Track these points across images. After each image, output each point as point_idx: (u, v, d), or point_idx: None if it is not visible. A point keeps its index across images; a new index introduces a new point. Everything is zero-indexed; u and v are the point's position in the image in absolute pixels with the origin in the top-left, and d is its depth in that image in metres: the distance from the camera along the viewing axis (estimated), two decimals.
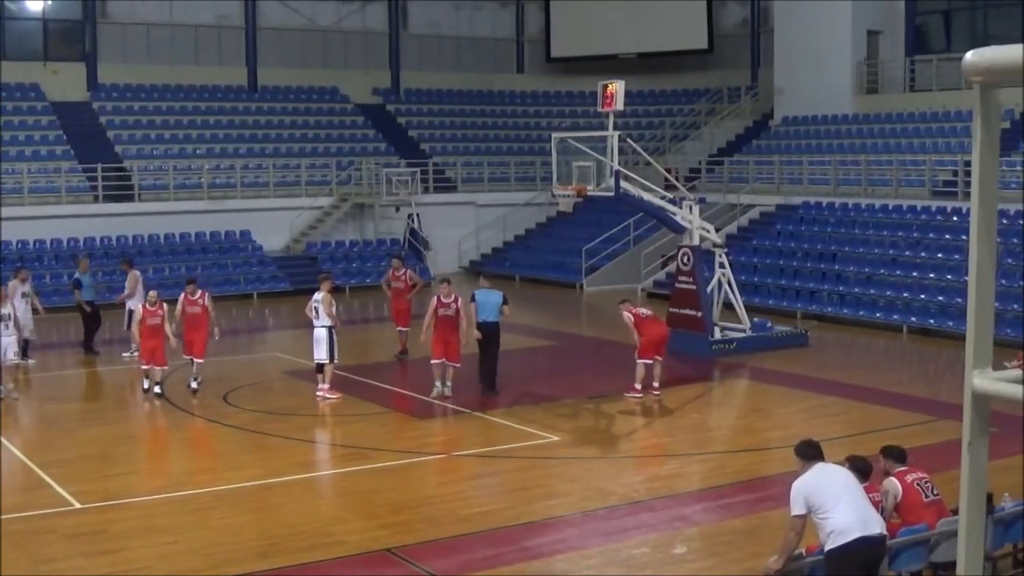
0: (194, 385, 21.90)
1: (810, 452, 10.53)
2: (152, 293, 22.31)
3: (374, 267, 39.49)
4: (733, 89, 48.15)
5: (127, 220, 37.96)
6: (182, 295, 22.77)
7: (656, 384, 21.59)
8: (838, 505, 9.95)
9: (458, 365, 21.58)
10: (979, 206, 6.15)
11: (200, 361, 22.19)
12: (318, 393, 21.38)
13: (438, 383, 21.45)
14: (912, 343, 28.15)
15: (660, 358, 21.72)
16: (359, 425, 19.59)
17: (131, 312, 26.29)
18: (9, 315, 22.16)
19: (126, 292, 26.50)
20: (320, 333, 21.37)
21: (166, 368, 21.76)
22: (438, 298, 21.51)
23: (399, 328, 25.80)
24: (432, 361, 21.50)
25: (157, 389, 21.50)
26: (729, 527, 14.28)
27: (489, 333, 21.97)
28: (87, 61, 43.67)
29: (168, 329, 21.62)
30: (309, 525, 14.55)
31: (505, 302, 22.07)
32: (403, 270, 26.22)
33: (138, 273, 27.19)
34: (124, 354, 26.12)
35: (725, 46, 49.48)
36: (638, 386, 21.37)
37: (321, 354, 21.34)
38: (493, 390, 22.01)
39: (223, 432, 19.19)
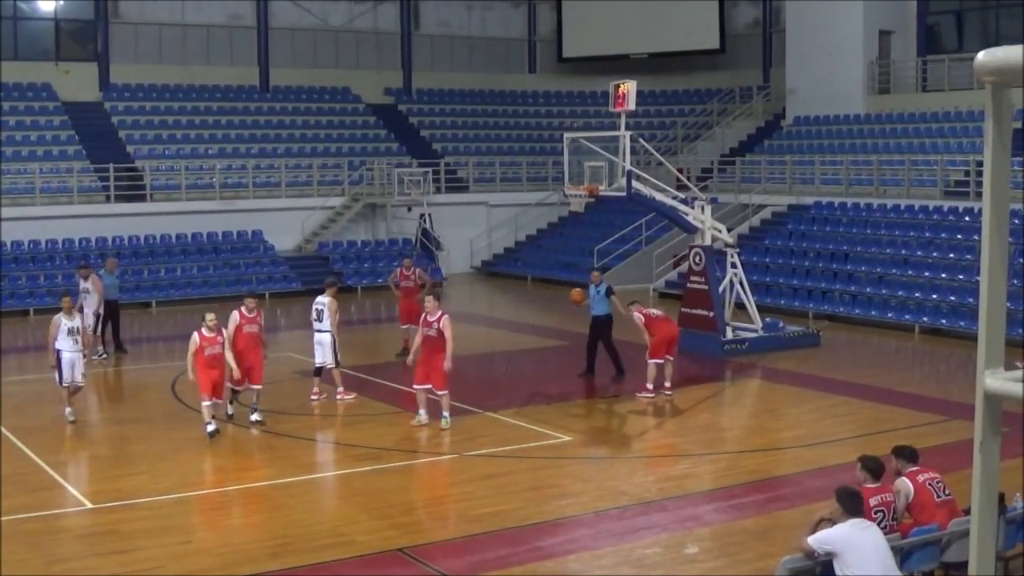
0: (256, 416, 19.53)
1: (853, 506, 10.31)
2: (210, 316, 18.95)
3: (386, 267, 39.45)
4: (745, 89, 48.13)
5: (139, 220, 38.06)
6: (236, 313, 20.01)
7: (668, 384, 21.59)
8: (869, 569, 9.87)
9: (444, 393, 19.17)
10: (991, 206, 6.13)
11: (259, 387, 19.82)
12: (312, 397, 21.35)
13: (421, 411, 19.27)
14: (924, 343, 28.11)
15: (671, 358, 21.69)
16: (370, 425, 19.59)
17: (97, 317, 25.93)
18: (77, 328, 20.07)
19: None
20: (324, 337, 21.31)
21: (219, 401, 19.14)
22: (424, 316, 19.25)
23: (403, 326, 25.45)
24: (414, 386, 19.38)
25: (211, 428, 18.61)
26: (741, 527, 14.27)
27: (601, 326, 23.46)
28: (99, 61, 43.80)
29: (230, 357, 19.03)
30: (320, 525, 14.58)
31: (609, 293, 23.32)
32: (413, 269, 25.98)
33: (98, 278, 26.44)
34: (93, 356, 25.52)
35: (737, 46, 49.47)
36: (650, 386, 21.35)
37: (328, 358, 21.30)
38: (621, 373, 23.34)
39: (234, 432, 19.21)
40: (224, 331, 19.12)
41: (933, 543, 10.89)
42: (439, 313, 18.99)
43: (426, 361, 19.03)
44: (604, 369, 23.48)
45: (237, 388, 19.75)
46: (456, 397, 21.37)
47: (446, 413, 19.20)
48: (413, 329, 23.65)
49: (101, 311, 26.14)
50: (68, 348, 19.78)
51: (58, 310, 20.23)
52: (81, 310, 25.52)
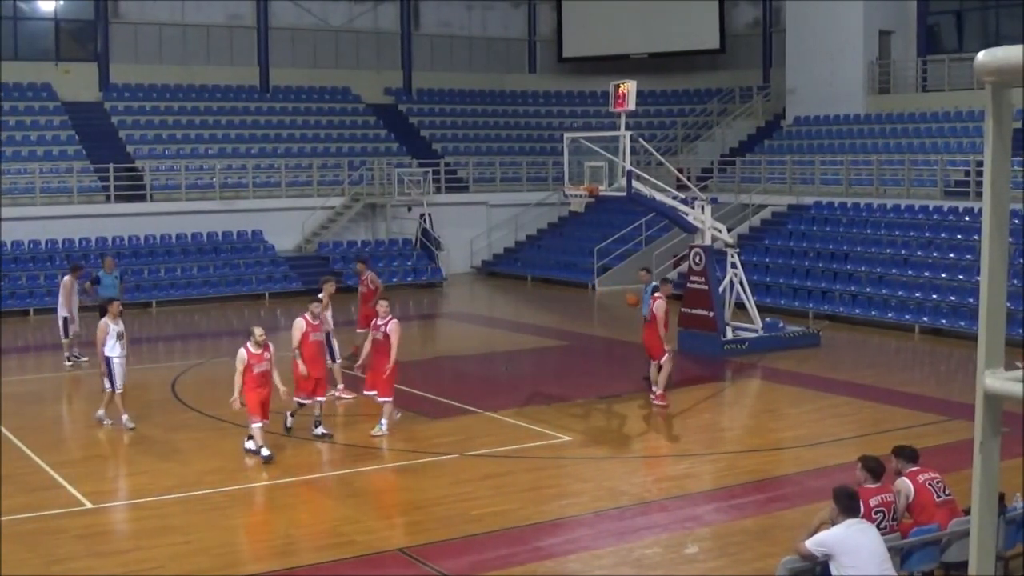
0: (320, 431, 18.62)
1: (850, 506, 10.32)
2: (259, 331, 17.54)
3: (386, 267, 39.51)
4: (745, 89, 48.12)
5: (139, 220, 38.03)
6: (302, 321, 18.86)
7: (654, 389, 21.17)
8: (865, 570, 9.87)
9: (387, 400, 18.71)
10: (991, 206, 6.13)
11: (324, 400, 19.05)
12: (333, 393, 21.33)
13: (383, 420, 18.78)
14: (924, 343, 28.11)
15: (653, 360, 21.30)
16: (370, 425, 19.53)
17: (65, 319, 25.46)
18: (122, 333, 19.46)
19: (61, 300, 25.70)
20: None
21: (267, 422, 17.60)
22: (374, 321, 18.87)
23: (360, 331, 23.59)
24: (364, 392, 19.15)
25: (265, 452, 17.30)
26: (740, 527, 14.27)
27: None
28: (99, 61, 43.78)
29: (277, 378, 17.72)
30: (321, 525, 14.59)
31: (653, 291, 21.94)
32: (366, 274, 24.80)
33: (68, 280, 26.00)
34: (66, 363, 25.40)
35: (737, 46, 49.46)
36: (655, 389, 21.14)
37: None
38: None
39: (234, 432, 19.18)
40: (271, 346, 17.75)
41: (933, 543, 10.89)
42: (388, 318, 18.68)
43: (372, 366, 18.77)
44: (612, 371, 23.47)
45: (304, 402, 18.63)
46: (456, 397, 21.51)
47: (383, 420, 18.71)
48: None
49: (67, 314, 25.74)
50: (117, 354, 19.32)
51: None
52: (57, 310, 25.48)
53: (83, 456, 18.22)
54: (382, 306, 18.97)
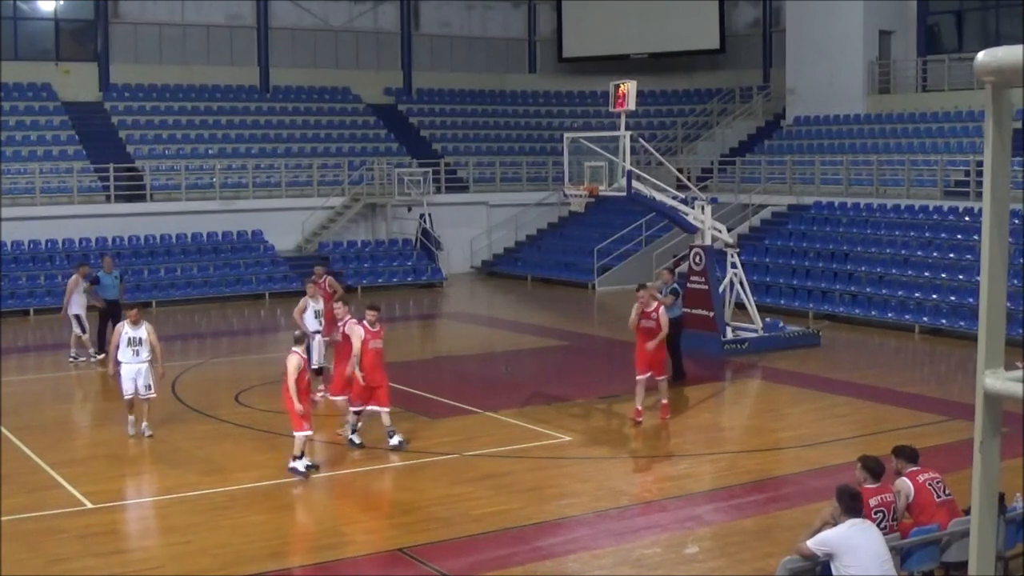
0: (398, 439, 17.87)
1: (853, 506, 10.32)
2: (304, 335, 17.20)
3: (386, 267, 39.61)
4: (745, 89, 48.14)
5: (139, 220, 38.04)
6: (360, 328, 17.84)
7: (659, 407, 20.47)
8: (866, 570, 9.88)
9: (387, 409, 18.06)
10: (991, 206, 6.14)
11: (388, 410, 18.06)
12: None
13: (373, 425, 18.35)
14: (924, 343, 28.10)
15: (659, 378, 20.16)
16: (370, 425, 19.54)
17: (77, 317, 25.46)
18: (141, 339, 18.63)
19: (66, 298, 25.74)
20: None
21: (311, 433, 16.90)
22: (364, 327, 17.94)
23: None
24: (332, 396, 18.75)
25: (306, 464, 16.69)
26: (740, 527, 14.27)
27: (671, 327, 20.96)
28: (99, 61, 43.79)
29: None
30: (321, 525, 14.60)
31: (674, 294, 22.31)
32: (324, 277, 23.84)
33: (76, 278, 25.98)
34: (80, 359, 25.47)
35: (737, 46, 49.48)
36: (637, 407, 20.30)
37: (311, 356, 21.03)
38: (680, 378, 22.39)
39: (234, 432, 19.21)
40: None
41: (933, 543, 10.89)
42: (347, 318, 18.29)
43: (336, 368, 18.54)
44: (612, 371, 23.44)
45: (358, 410, 18.00)
46: (456, 397, 21.49)
47: (349, 419, 18.31)
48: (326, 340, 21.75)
49: (78, 311, 25.75)
50: (127, 360, 18.61)
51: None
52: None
53: (83, 456, 18.20)
54: (339, 308, 18.59)
